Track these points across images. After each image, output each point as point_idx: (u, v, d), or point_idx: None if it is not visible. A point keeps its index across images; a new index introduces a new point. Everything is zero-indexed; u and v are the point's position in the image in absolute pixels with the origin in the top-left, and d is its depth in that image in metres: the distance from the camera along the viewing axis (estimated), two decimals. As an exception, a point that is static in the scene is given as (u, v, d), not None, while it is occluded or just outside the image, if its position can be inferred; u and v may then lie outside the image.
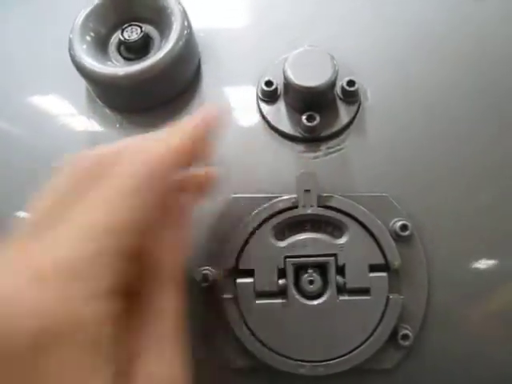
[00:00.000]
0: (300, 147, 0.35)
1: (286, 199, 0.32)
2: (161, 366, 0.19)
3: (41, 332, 0.14)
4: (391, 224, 0.32)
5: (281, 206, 0.32)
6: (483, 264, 0.33)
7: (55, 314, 0.15)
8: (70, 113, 0.40)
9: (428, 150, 0.35)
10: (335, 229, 0.33)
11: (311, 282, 0.31)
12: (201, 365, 0.24)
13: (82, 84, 0.39)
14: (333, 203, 0.32)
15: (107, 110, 0.38)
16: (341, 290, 0.32)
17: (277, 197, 0.33)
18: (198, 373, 0.22)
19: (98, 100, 0.39)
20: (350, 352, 0.31)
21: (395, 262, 0.31)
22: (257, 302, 0.31)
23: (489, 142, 0.35)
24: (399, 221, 0.32)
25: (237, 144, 0.36)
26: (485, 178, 0.34)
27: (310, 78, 0.33)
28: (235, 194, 0.34)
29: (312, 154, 0.35)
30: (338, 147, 0.35)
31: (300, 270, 0.32)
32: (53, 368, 0.14)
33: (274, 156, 0.35)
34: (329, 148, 0.35)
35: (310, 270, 0.32)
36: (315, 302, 0.31)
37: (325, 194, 0.32)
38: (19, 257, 0.17)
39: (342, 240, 0.32)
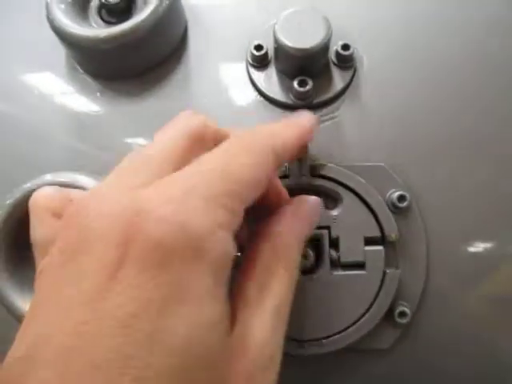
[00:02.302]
0: (292, 115, 0.33)
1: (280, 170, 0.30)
2: (257, 326, 0.18)
3: (187, 240, 0.15)
4: (388, 195, 0.30)
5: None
6: (486, 241, 0.31)
7: (203, 228, 0.15)
8: (49, 82, 0.37)
9: (426, 118, 0.33)
10: (328, 200, 0.31)
11: (304, 257, 0.29)
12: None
13: (61, 52, 0.37)
14: (326, 172, 0.30)
15: (88, 78, 0.36)
16: (334, 264, 0.30)
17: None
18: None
19: (78, 67, 0.36)
20: (344, 330, 0.29)
21: (392, 234, 0.29)
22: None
23: (489, 112, 0.33)
24: (396, 191, 0.30)
25: (226, 112, 0.34)
26: (486, 149, 0.32)
27: (302, 39, 0.31)
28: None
29: (305, 123, 0.32)
30: (332, 115, 0.33)
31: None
32: (177, 278, 0.14)
33: (264, 124, 0.33)
34: (322, 116, 0.33)
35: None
36: (307, 277, 0.29)
37: (317, 163, 0.30)
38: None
39: (336, 211, 0.30)
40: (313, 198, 0.24)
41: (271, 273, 0.19)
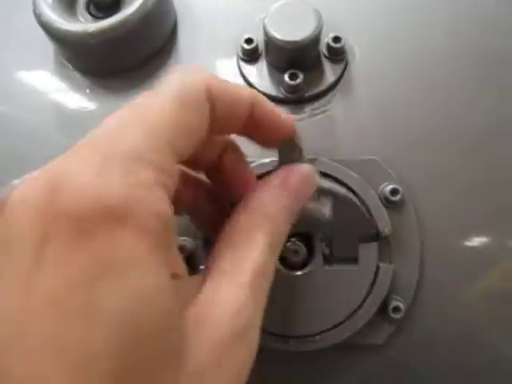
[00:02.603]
0: (283, 109, 0.32)
1: (267, 163, 0.30)
2: (229, 292, 0.17)
3: (106, 211, 0.14)
4: (381, 189, 0.30)
5: (262, 170, 0.30)
6: (481, 235, 0.31)
7: (120, 196, 0.14)
8: (37, 79, 0.37)
9: (419, 111, 0.32)
10: (321, 194, 0.30)
11: (295, 252, 0.29)
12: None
13: (49, 48, 0.36)
14: (318, 167, 0.29)
15: (77, 74, 0.36)
16: (327, 259, 0.29)
17: (258, 161, 0.30)
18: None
19: (67, 64, 0.36)
20: (337, 326, 0.29)
21: (385, 229, 0.29)
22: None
23: (485, 105, 0.33)
24: (389, 185, 0.30)
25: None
26: (482, 142, 0.32)
27: (292, 32, 0.30)
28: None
29: (296, 116, 0.32)
30: (324, 108, 0.32)
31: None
32: (109, 246, 0.14)
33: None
34: (313, 109, 0.32)
35: (293, 239, 0.29)
36: (299, 273, 0.29)
37: (309, 157, 0.30)
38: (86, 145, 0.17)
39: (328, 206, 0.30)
40: (304, 167, 0.22)
41: (249, 241, 0.18)
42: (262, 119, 0.20)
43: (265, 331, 0.29)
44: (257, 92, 0.20)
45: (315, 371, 0.31)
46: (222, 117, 0.19)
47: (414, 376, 0.31)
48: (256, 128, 0.21)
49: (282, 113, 0.21)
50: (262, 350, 0.29)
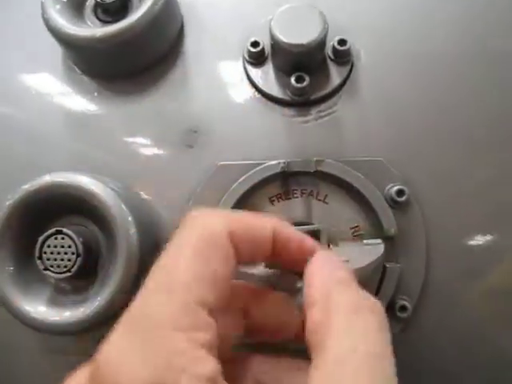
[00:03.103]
0: (290, 111, 0.33)
1: (274, 165, 0.30)
2: None
3: None
4: (387, 189, 0.30)
5: (269, 172, 0.30)
6: (486, 235, 0.31)
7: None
8: (46, 82, 0.37)
9: (425, 112, 0.33)
10: (327, 196, 0.31)
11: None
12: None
13: (58, 52, 0.37)
14: (324, 168, 0.30)
15: (85, 78, 0.36)
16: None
17: (265, 163, 0.30)
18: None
19: (75, 68, 0.36)
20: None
21: (391, 229, 0.29)
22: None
23: (488, 106, 0.33)
24: (395, 186, 0.30)
25: (224, 110, 0.34)
26: (484, 142, 0.32)
27: (298, 35, 0.31)
28: (222, 161, 0.32)
29: (302, 119, 0.33)
30: (330, 110, 0.33)
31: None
32: None
33: (263, 121, 0.33)
34: (320, 112, 0.33)
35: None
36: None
37: (315, 159, 0.30)
38: None
39: (335, 206, 0.30)
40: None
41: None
42: (285, 244, 0.20)
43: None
44: (277, 219, 0.20)
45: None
46: (248, 254, 0.19)
47: (421, 374, 0.32)
48: (280, 253, 0.20)
49: (304, 235, 0.21)
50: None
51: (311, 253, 0.20)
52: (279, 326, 0.21)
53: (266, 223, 0.20)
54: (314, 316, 0.17)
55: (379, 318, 0.17)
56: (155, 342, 0.15)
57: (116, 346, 0.15)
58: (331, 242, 0.29)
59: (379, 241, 0.28)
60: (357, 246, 0.27)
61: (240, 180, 0.30)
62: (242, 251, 0.18)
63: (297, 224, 0.28)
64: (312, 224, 0.30)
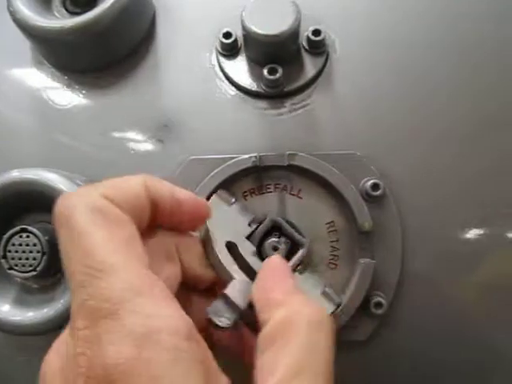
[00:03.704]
0: (263, 104, 0.32)
1: (246, 159, 0.29)
2: None
3: None
4: (362, 184, 0.30)
5: (241, 166, 0.29)
6: (464, 229, 0.31)
7: None
8: (15, 78, 0.36)
9: (401, 105, 0.32)
10: (301, 190, 0.30)
11: (274, 249, 0.29)
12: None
13: (26, 46, 0.36)
14: (297, 162, 0.29)
15: (54, 71, 0.35)
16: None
17: (238, 157, 0.30)
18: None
19: (44, 61, 0.35)
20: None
21: (365, 223, 0.29)
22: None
23: (472, 99, 0.32)
24: (370, 180, 0.29)
25: (196, 103, 0.33)
26: (467, 137, 0.32)
27: (270, 26, 0.30)
28: (194, 155, 0.31)
29: (276, 111, 0.32)
30: (304, 103, 0.32)
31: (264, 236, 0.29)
32: None
33: (235, 114, 0.32)
34: (294, 104, 0.32)
35: (274, 238, 0.29)
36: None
37: (288, 153, 0.29)
38: None
39: (310, 201, 0.29)
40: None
41: None
42: (177, 203, 0.21)
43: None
44: (146, 175, 0.21)
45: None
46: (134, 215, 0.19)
47: (398, 372, 0.31)
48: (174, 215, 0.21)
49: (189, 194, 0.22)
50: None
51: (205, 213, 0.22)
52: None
53: (134, 181, 0.20)
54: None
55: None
56: None
57: None
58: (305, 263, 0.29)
59: (339, 300, 0.26)
60: (318, 288, 0.26)
61: (211, 174, 0.29)
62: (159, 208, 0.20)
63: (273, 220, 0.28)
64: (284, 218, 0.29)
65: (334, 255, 0.30)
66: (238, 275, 0.24)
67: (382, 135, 0.31)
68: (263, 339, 0.18)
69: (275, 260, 0.22)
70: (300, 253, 0.26)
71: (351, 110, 0.32)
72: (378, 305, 0.29)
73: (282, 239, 0.28)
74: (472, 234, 0.30)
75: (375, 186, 0.29)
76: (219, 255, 0.23)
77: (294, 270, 0.26)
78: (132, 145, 0.33)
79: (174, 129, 0.32)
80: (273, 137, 0.31)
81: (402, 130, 0.31)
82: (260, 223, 0.27)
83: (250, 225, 0.26)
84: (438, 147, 0.31)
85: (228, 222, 0.25)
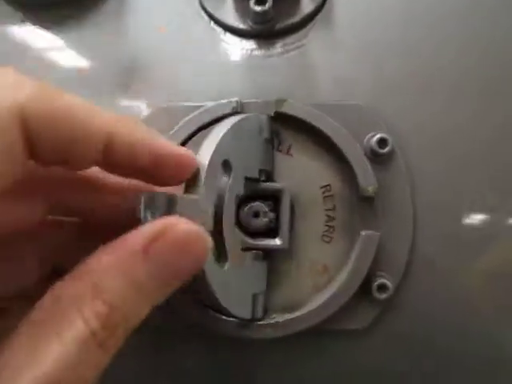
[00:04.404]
0: (250, 44, 0.27)
1: (224, 104, 0.24)
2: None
3: None
4: (366, 139, 0.24)
5: (218, 112, 0.24)
6: (485, 197, 0.25)
7: None
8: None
9: (410, 53, 0.26)
10: (292, 146, 0.25)
11: (255, 215, 0.23)
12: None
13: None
14: (287, 110, 0.24)
15: (8, 7, 0.30)
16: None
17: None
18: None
19: (-4, -5, 0.30)
20: (307, 308, 0.23)
21: (369, 187, 0.23)
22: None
23: (470, 48, 0.27)
24: (376, 135, 0.24)
25: (170, 42, 0.28)
26: (482, 93, 0.26)
27: None
28: (164, 102, 0.25)
29: (265, 52, 0.27)
30: (299, 43, 0.26)
31: (243, 201, 0.24)
32: None
33: (217, 56, 0.27)
34: (286, 45, 0.26)
35: (256, 202, 0.23)
36: (262, 243, 0.23)
37: (276, 99, 0.24)
38: None
39: (301, 160, 0.24)
40: (191, 227, 0.16)
41: (58, 326, 0.14)
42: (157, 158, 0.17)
43: (218, 313, 0.23)
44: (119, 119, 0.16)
45: (284, 360, 0.26)
46: (53, 151, 0.15)
47: (401, 366, 0.26)
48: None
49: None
50: (215, 337, 0.24)
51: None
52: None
53: (102, 123, 0.15)
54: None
55: None
56: None
57: None
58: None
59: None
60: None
61: (181, 123, 0.24)
62: (43, 146, 0.14)
63: (249, 179, 0.22)
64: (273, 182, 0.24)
65: (329, 226, 0.24)
66: None
67: (389, 83, 0.26)
68: None
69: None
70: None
71: (354, 55, 0.26)
72: (382, 288, 0.23)
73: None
74: (495, 208, 0.25)
75: (382, 142, 0.24)
76: None
77: None
78: (93, 90, 0.27)
79: (141, 72, 0.27)
80: (260, 82, 0.26)
81: (414, 78, 0.26)
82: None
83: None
84: (459, 98, 0.25)
85: None
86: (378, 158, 0.24)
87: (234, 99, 0.24)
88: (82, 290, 0.14)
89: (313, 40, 0.26)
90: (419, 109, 0.26)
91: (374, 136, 0.24)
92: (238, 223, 0.23)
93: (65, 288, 0.14)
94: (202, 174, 0.18)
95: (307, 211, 0.25)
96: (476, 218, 0.25)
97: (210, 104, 0.24)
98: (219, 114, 0.24)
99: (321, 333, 0.25)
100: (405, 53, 0.27)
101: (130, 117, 0.16)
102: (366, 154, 0.24)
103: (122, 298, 0.15)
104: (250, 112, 0.24)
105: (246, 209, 0.23)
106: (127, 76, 0.27)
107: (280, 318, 0.24)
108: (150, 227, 0.15)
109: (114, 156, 0.16)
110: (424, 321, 0.25)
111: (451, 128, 0.25)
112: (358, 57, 0.26)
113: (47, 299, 0.14)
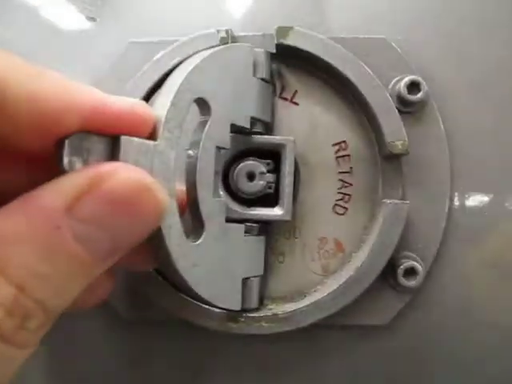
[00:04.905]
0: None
1: (210, 35, 0.18)
2: None
3: None
4: (393, 83, 0.19)
5: (199, 47, 0.18)
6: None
7: None
8: None
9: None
10: (298, 92, 0.19)
11: (250, 177, 0.18)
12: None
13: None
14: (292, 41, 0.18)
15: None
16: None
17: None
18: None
19: None
20: (314, 297, 0.18)
21: (398, 142, 0.18)
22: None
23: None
24: (405, 77, 0.18)
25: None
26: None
27: None
28: (135, 38, 0.20)
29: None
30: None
31: (234, 160, 0.18)
32: None
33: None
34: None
35: (250, 161, 0.18)
36: (256, 212, 0.18)
37: (278, 26, 0.18)
38: None
39: (310, 108, 0.19)
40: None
41: None
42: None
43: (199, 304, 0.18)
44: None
45: (289, 358, 0.21)
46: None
47: (428, 367, 0.21)
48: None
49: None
50: (196, 330, 0.19)
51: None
52: None
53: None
54: None
55: None
56: None
57: None
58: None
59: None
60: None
61: (148, 64, 0.18)
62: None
63: (240, 130, 0.17)
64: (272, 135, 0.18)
65: (344, 194, 0.19)
66: None
67: (422, 18, 0.20)
68: None
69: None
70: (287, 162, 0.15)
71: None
72: (411, 272, 0.18)
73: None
74: None
75: (414, 86, 0.18)
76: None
77: None
78: (57, 23, 0.22)
79: (110, 2, 0.21)
80: (257, 12, 0.20)
81: (453, 12, 0.20)
82: None
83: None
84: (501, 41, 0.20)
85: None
86: (408, 106, 0.19)
87: (223, 28, 0.18)
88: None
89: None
90: (460, 48, 0.20)
91: (402, 78, 0.19)
92: (228, 189, 0.18)
93: None
94: (162, 120, 0.12)
95: (316, 175, 0.19)
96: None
97: (193, 35, 0.19)
98: (203, 45, 0.18)
99: (331, 329, 0.19)
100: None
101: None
102: (393, 101, 0.19)
103: (35, 275, 0.09)
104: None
105: (237, 169, 0.18)
106: (93, 7, 0.22)
107: (279, 309, 0.19)
108: (76, 177, 0.10)
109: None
110: (458, 315, 0.20)
111: (500, 75, 0.20)
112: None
113: None
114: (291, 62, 0.19)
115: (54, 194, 0.10)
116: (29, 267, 0.10)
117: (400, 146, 0.18)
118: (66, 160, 0.11)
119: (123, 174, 0.11)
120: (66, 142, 0.11)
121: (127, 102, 0.12)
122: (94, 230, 0.10)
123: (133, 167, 0.11)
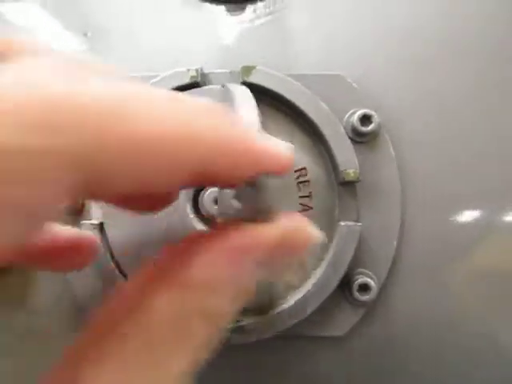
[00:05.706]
0: (219, 8, 0.23)
1: (182, 73, 0.20)
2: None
3: None
4: (347, 116, 0.21)
5: (172, 84, 0.20)
6: (480, 180, 0.22)
7: None
8: None
9: (402, 16, 0.23)
10: (262, 124, 0.21)
11: (217, 202, 0.20)
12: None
13: None
14: (255, 79, 0.20)
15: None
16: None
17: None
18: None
19: None
20: (274, 310, 0.20)
21: (350, 171, 0.20)
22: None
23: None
24: (358, 110, 0.20)
25: (127, 6, 0.24)
26: (487, 60, 0.23)
27: None
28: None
29: (238, 18, 0.23)
30: (273, 8, 0.23)
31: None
32: None
33: (180, 20, 0.23)
34: (262, 8, 0.23)
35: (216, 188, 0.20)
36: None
37: (243, 66, 0.20)
38: None
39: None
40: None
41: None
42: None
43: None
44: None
45: (253, 368, 0.22)
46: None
47: (382, 375, 0.22)
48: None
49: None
50: None
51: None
52: None
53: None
54: None
55: None
56: None
57: None
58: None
59: None
60: None
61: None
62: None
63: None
64: None
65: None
66: None
67: (375, 53, 0.22)
68: None
69: None
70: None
71: (335, 21, 0.23)
72: (364, 288, 0.20)
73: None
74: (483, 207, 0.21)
75: (366, 119, 0.20)
76: None
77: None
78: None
79: (95, 38, 0.23)
80: (228, 51, 0.22)
81: (404, 48, 0.22)
82: None
83: None
84: (455, 71, 0.22)
85: None
86: (361, 137, 0.21)
87: (194, 67, 0.20)
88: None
89: (290, 3, 0.23)
90: (412, 83, 0.22)
91: (356, 111, 0.21)
92: (197, 210, 0.20)
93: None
94: None
95: (278, 199, 0.21)
96: (471, 215, 0.22)
97: (163, 74, 0.21)
98: (174, 85, 0.20)
99: (296, 339, 0.21)
100: (398, 17, 0.23)
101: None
102: (347, 132, 0.21)
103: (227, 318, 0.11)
104: (212, 84, 0.21)
105: (205, 195, 0.20)
106: (79, 43, 0.24)
107: (246, 321, 0.20)
108: (276, 228, 0.12)
109: None
110: (410, 326, 0.22)
111: (450, 106, 0.22)
112: (341, 21, 0.23)
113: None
114: (257, 97, 0.21)
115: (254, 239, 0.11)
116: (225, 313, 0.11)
117: (352, 174, 0.20)
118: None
119: (309, 229, 0.12)
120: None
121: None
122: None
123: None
